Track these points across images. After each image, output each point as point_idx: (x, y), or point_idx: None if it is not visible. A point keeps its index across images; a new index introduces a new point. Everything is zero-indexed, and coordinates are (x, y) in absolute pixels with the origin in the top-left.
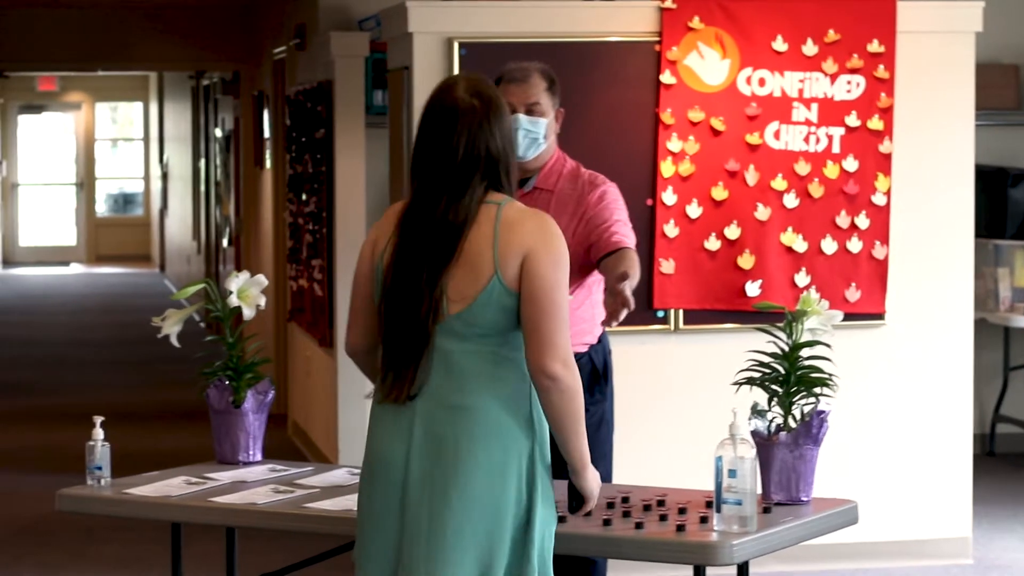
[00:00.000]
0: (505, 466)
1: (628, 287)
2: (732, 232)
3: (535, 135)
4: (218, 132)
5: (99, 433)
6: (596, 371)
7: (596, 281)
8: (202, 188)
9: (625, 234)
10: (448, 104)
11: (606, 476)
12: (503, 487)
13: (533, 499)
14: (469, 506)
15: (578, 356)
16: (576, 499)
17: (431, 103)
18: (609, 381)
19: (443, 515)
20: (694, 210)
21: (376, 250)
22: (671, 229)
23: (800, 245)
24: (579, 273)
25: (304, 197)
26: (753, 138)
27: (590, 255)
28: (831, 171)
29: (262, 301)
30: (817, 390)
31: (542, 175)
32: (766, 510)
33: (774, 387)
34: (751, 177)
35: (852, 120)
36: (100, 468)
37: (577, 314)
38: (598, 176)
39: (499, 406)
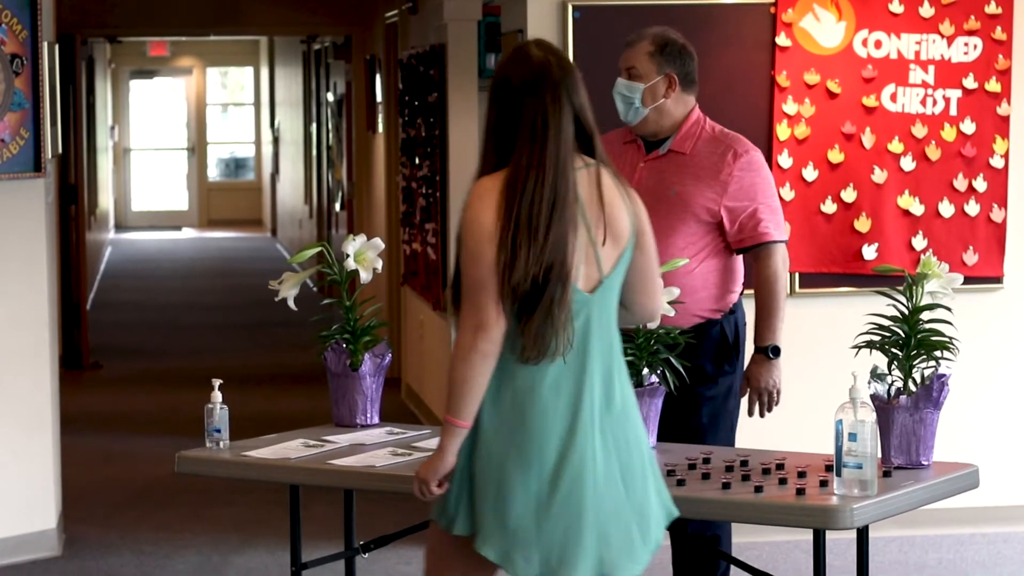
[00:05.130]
0: None
1: (766, 384)
2: (848, 195)
3: (630, 99)
4: (330, 96)
5: (217, 396)
6: (725, 342)
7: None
8: (314, 152)
9: (769, 221)
10: (534, 70)
11: (729, 445)
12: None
13: None
14: None
15: (709, 324)
16: None
17: (513, 74)
18: (740, 354)
19: None
20: (810, 173)
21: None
22: (787, 192)
23: (917, 208)
24: (713, 237)
25: (417, 161)
26: (869, 101)
27: (732, 231)
28: (948, 134)
29: (379, 265)
30: (938, 353)
31: (678, 139)
32: (886, 474)
33: (894, 350)
34: (867, 140)
35: (969, 82)
36: (219, 431)
37: (706, 279)
38: (740, 140)
39: None
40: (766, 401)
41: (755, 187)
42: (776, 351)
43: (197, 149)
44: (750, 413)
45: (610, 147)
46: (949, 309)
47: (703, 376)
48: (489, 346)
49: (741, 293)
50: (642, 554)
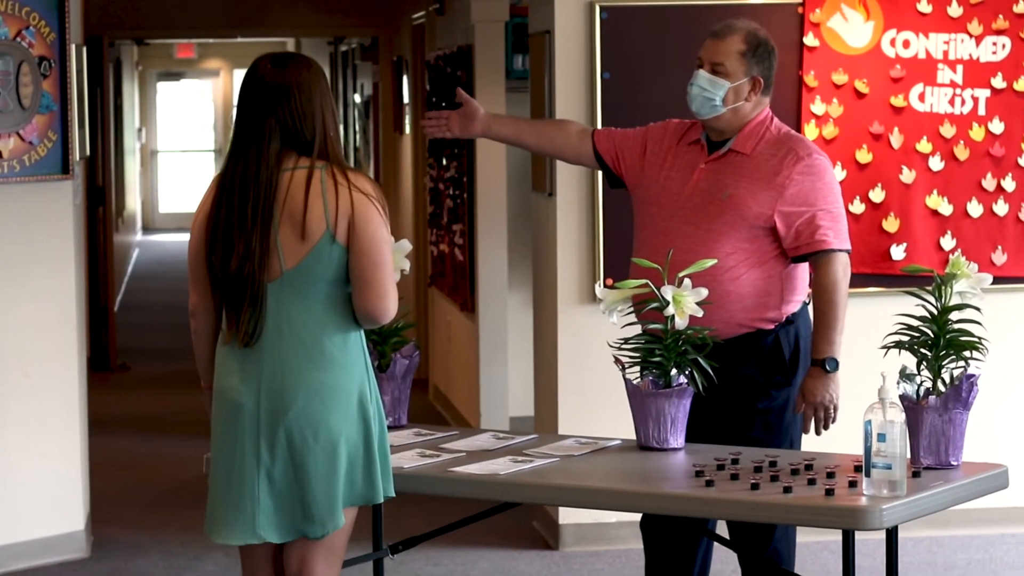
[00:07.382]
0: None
1: (821, 399)
2: (877, 195)
3: (710, 95)
4: (357, 98)
5: None
6: (778, 353)
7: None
8: None
9: (829, 228)
10: (252, 80)
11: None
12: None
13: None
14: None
15: (761, 334)
16: None
17: (244, 79)
18: (799, 367)
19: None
20: (838, 173)
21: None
22: None
23: (945, 208)
24: (766, 243)
25: (444, 162)
26: (898, 100)
27: (788, 238)
28: (977, 133)
29: (406, 266)
30: (967, 354)
31: (740, 138)
32: (915, 474)
33: (923, 351)
34: (896, 140)
35: (998, 82)
36: None
37: (755, 286)
38: (804, 143)
39: None
40: (821, 417)
41: (815, 192)
42: (833, 364)
43: (224, 151)
44: (805, 430)
45: (664, 138)
46: (978, 309)
47: (755, 388)
48: (194, 322)
49: (806, 303)
50: (309, 528)
